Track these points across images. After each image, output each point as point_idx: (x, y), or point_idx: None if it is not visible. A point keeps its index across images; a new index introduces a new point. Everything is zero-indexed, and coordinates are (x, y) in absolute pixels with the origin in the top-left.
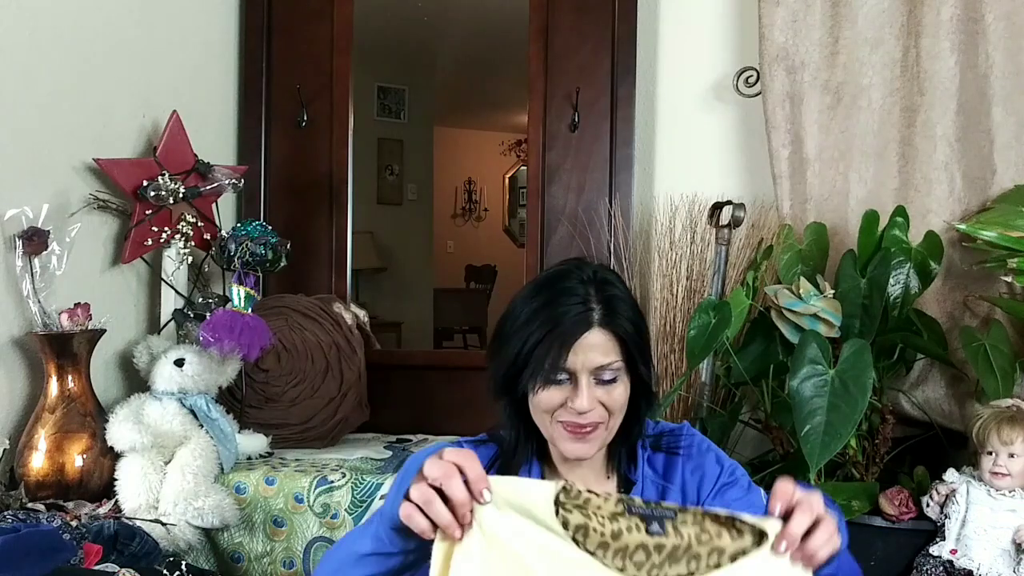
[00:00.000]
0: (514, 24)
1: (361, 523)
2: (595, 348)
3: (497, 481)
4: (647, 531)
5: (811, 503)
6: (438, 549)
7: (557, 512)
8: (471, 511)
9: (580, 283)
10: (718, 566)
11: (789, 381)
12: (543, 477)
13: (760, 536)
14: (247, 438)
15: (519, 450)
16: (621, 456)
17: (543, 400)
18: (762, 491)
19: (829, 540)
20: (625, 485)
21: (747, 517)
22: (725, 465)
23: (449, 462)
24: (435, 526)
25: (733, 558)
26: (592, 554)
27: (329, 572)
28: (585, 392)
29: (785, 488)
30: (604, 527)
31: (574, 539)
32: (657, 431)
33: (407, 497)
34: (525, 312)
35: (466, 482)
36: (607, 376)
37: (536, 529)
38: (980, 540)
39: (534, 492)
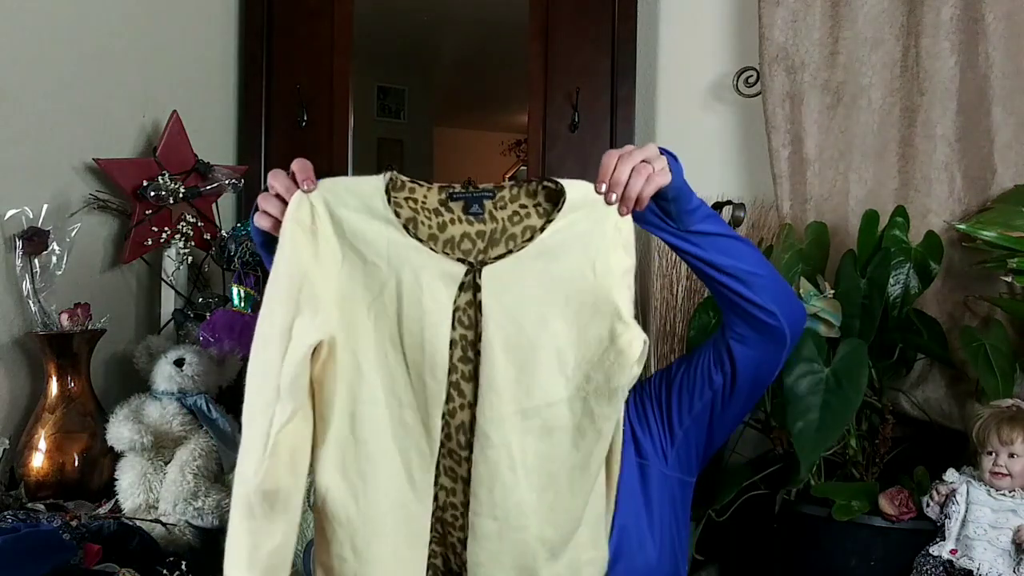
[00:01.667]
0: (514, 24)
1: None
2: None
3: (330, 181)
4: (467, 214)
5: (632, 154)
6: (287, 237)
7: (389, 202)
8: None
9: None
10: (531, 239)
11: (784, 379)
12: None
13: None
14: None
15: None
16: None
17: None
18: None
19: (651, 178)
20: None
21: (561, 181)
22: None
23: (281, 170)
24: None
25: (542, 229)
26: (423, 242)
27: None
28: None
29: (606, 163)
30: (431, 220)
31: (405, 227)
32: None
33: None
34: None
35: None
36: None
37: (374, 223)
38: (980, 540)
39: (364, 184)
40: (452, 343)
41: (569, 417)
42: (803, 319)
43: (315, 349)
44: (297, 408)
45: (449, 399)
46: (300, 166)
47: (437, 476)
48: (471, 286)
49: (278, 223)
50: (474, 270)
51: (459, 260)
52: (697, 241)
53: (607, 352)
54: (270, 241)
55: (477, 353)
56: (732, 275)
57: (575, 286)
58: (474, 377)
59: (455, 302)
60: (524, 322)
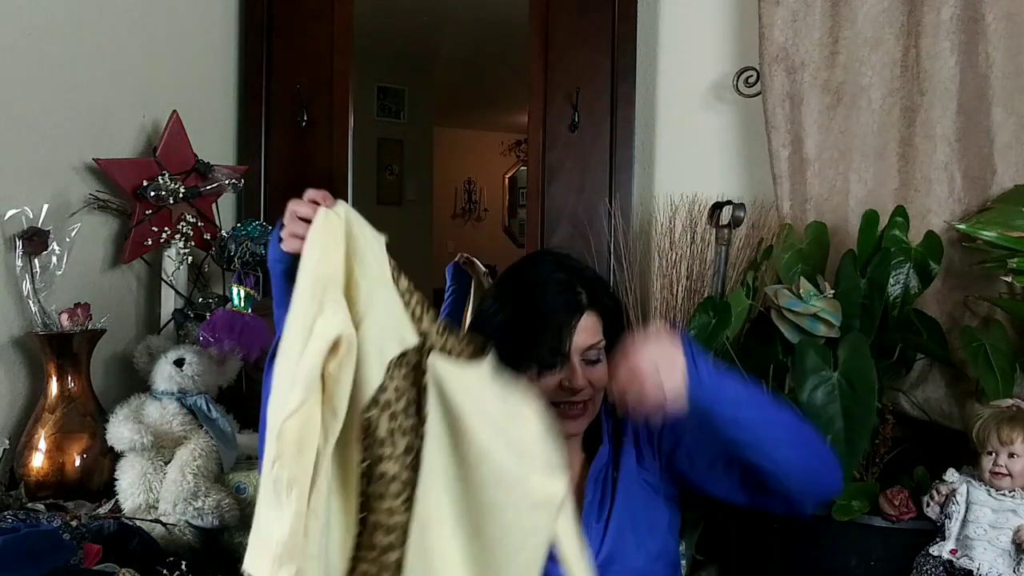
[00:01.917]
0: (514, 24)
1: None
2: (586, 330)
3: (347, 208)
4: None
5: (634, 371)
6: (313, 244)
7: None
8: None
9: (553, 272)
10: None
11: (798, 395)
12: None
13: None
14: (247, 438)
15: None
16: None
17: (540, 387)
18: None
19: (654, 390)
20: (593, 446)
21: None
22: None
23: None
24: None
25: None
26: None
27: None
28: (579, 371)
29: (617, 386)
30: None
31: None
32: None
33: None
34: (506, 310)
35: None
36: (593, 356)
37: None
38: (980, 540)
39: (368, 230)
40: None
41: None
42: (836, 491)
43: (334, 345)
44: (307, 399)
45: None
46: (319, 192)
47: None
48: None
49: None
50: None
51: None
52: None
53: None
54: (293, 268)
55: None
56: (766, 464)
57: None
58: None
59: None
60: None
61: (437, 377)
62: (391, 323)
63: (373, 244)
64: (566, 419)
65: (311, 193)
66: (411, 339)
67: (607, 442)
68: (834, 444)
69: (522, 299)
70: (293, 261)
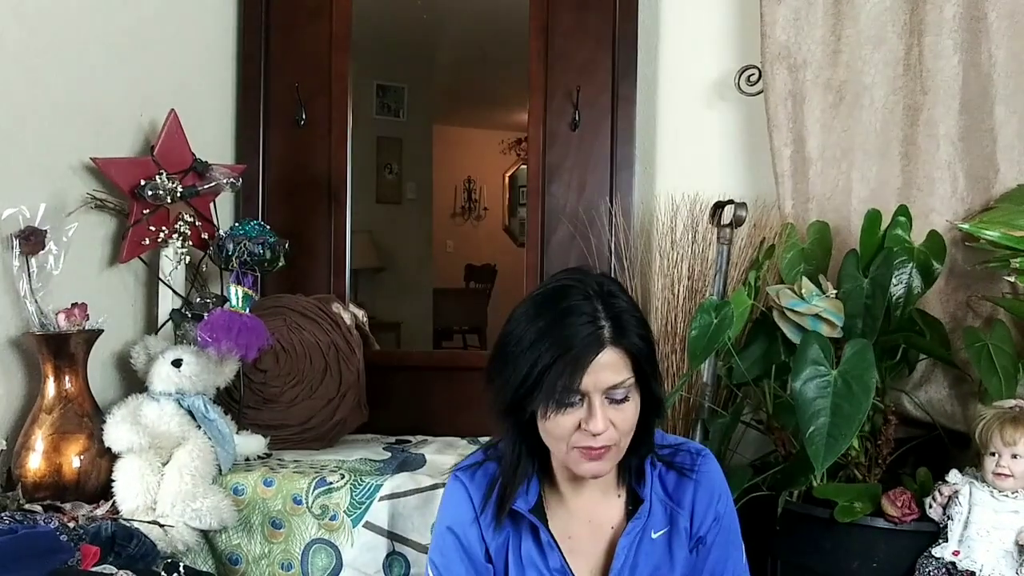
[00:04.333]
0: (514, 22)
1: None
2: (607, 367)
3: None
4: None
5: None
6: None
7: None
8: None
9: (585, 299)
10: None
11: (792, 382)
12: (542, 494)
13: None
14: (245, 439)
15: (520, 468)
16: (631, 471)
17: (557, 426)
18: (743, 547)
19: None
20: (634, 501)
21: None
22: (725, 516)
23: None
24: None
25: None
26: None
27: None
28: (599, 414)
29: None
30: None
31: None
32: (671, 446)
33: None
34: (530, 333)
35: None
36: (619, 395)
37: None
38: (983, 541)
39: None
40: None
41: None
42: None
43: None
44: None
45: None
46: None
47: None
48: None
49: None
50: None
51: None
52: None
53: None
54: None
55: None
56: None
57: None
58: None
59: None
60: None
61: None
62: None
63: None
64: (586, 460)
65: None
66: None
67: (655, 503)
68: (814, 436)
69: (543, 328)
70: None
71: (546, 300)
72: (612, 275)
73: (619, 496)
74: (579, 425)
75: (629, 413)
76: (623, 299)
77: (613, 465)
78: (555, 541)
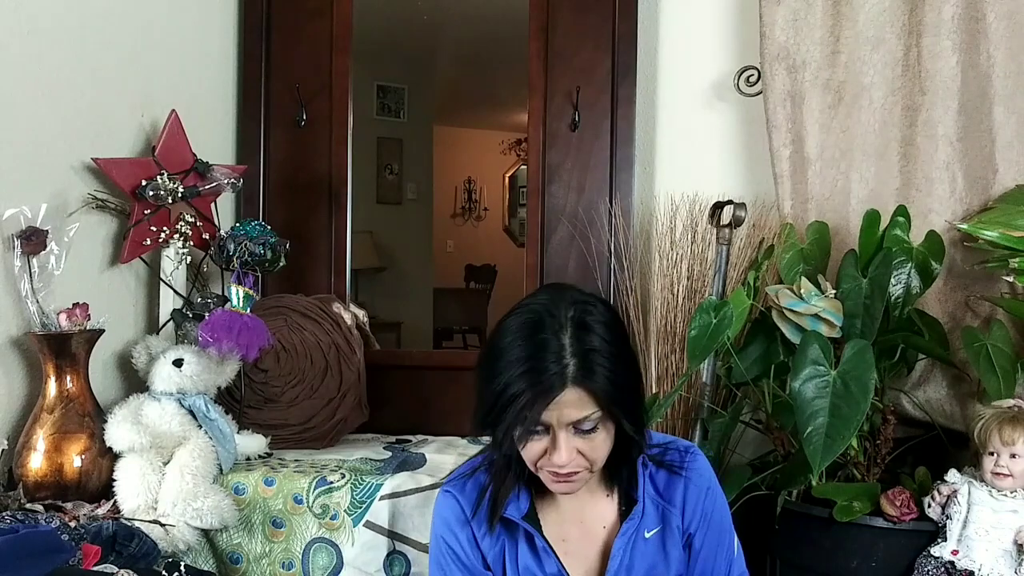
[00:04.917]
0: (514, 23)
1: None
2: (570, 404)
3: None
4: None
5: None
6: None
7: None
8: None
9: (555, 334)
10: None
11: (791, 382)
12: (532, 503)
13: None
14: (246, 439)
15: (508, 476)
16: (622, 475)
17: (526, 450)
18: (735, 537)
19: None
20: (627, 502)
21: None
22: (713, 512)
23: None
24: None
25: None
26: None
27: None
28: (563, 447)
29: None
30: None
31: None
32: (660, 444)
33: None
34: (505, 356)
35: None
36: (586, 427)
37: None
38: (981, 541)
39: None
40: None
41: None
42: None
43: None
44: None
45: None
46: None
47: None
48: None
49: None
50: None
51: None
52: None
53: None
54: None
55: None
56: None
57: None
58: None
59: None
60: None
61: None
62: None
63: None
64: (554, 482)
65: None
66: None
67: (647, 504)
68: (812, 436)
69: (514, 358)
70: None
71: (522, 328)
72: (611, 275)
73: (608, 496)
74: (545, 452)
75: (599, 442)
76: (597, 333)
77: (583, 485)
78: (550, 547)
